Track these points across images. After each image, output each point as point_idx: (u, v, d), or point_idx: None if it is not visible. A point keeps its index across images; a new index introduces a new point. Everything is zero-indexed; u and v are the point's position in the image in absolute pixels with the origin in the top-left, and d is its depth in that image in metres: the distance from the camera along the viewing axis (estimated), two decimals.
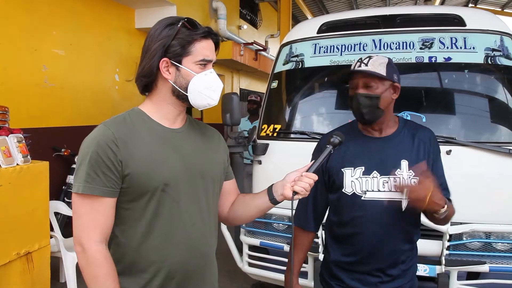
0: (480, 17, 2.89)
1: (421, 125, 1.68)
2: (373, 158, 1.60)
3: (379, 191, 1.57)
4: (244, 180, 3.74)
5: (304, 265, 2.72)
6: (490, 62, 2.69)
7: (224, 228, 3.03)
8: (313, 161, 1.42)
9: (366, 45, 2.95)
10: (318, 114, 3.16)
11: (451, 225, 2.38)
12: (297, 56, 3.19)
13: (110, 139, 1.20)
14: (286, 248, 2.75)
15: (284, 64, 3.24)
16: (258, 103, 5.71)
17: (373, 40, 2.94)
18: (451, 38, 2.78)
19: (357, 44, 2.98)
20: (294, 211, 1.43)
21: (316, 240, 2.65)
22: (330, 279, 1.74)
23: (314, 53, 3.11)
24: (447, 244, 2.42)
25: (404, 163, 1.56)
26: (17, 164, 2.70)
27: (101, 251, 1.18)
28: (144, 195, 1.23)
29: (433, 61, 2.77)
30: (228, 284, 3.87)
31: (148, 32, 1.31)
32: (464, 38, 2.76)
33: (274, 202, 1.42)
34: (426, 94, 2.84)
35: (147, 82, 1.30)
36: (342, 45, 3.02)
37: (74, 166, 4.35)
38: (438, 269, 2.44)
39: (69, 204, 3.77)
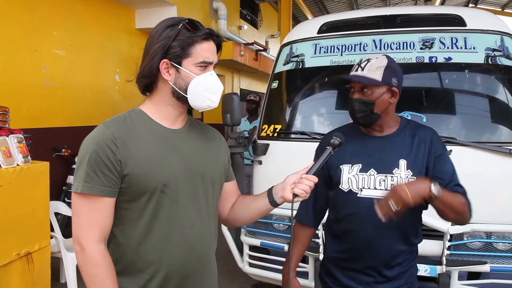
0: (481, 17, 2.89)
1: (423, 125, 1.66)
2: (371, 156, 1.60)
3: (375, 189, 1.57)
4: (244, 181, 3.74)
5: (304, 265, 2.73)
6: (490, 62, 2.69)
7: (224, 228, 3.03)
8: (313, 163, 1.42)
9: (367, 45, 2.95)
10: (319, 114, 3.15)
11: (451, 225, 2.38)
12: (297, 56, 3.19)
13: (110, 139, 1.20)
14: (287, 248, 2.75)
15: (284, 64, 3.24)
16: (257, 103, 5.70)
17: (374, 40, 2.94)
18: (452, 38, 2.78)
19: (357, 44, 2.98)
20: (294, 210, 1.42)
21: (316, 240, 2.65)
22: (326, 277, 1.75)
23: (315, 53, 3.11)
24: (448, 244, 2.42)
25: (403, 162, 1.56)
26: (17, 165, 2.70)
27: (99, 251, 1.18)
28: (143, 195, 1.23)
29: (434, 61, 2.77)
30: (228, 284, 3.87)
31: (149, 32, 1.30)
32: (465, 38, 2.76)
33: (274, 204, 1.42)
34: (426, 94, 2.84)
35: (147, 82, 1.30)
36: (342, 45, 3.02)
37: (74, 166, 4.35)
38: (439, 269, 2.44)
39: (69, 205, 3.76)
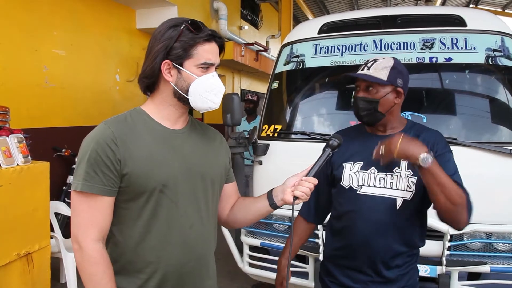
0: (481, 18, 2.89)
1: (429, 128, 1.66)
2: (373, 155, 1.61)
3: (374, 186, 1.59)
4: (243, 181, 3.73)
5: (304, 265, 2.73)
6: (491, 63, 2.69)
7: (224, 228, 3.03)
8: (312, 164, 1.43)
9: (367, 46, 2.94)
10: (319, 114, 3.15)
11: None
12: (298, 56, 3.18)
13: (110, 138, 1.20)
14: None
15: (285, 65, 3.24)
16: (254, 102, 5.67)
17: (374, 41, 2.94)
18: (452, 39, 2.78)
19: (358, 45, 2.97)
20: (296, 211, 1.43)
21: (316, 240, 2.65)
22: (325, 276, 1.77)
23: (315, 53, 3.11)
24: (448, 244, 2.41)
25: (404, 162, 1.56)
26: (18, 165, 2.70)
27: (98, 250, 1.19)
28: (142, 195, 1.23)
29: (434, 62, 2.77)
30: (228, 285, 3.87)
31: (150, 32, 1.30)
32: (465, 38, 2.76)
33: (274, 206, 1.42)
34: (427, 94, 2.84)
35: (149, 83, 1.30)
36: (343, 46, 3.02)
37: (74, 166, 4.35)
38: (439, 269, 2.44)
39: (69, 205, 3.74)
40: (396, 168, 1.57)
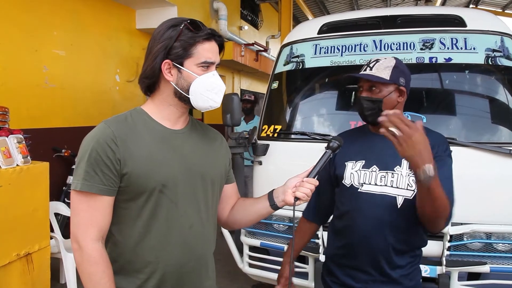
0: (481, 18, 2.89)
1: (433, 131, 1.65)
2: (374, 153, 1.63)
3: (375, 184, 1.59)
4: (242, 182, 3.73)
5: (304, 265, 2.73)
6: (490, 63, 2.69)
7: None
8: (313, 165, 1.43)
9: (367, 46, 2.94)
10: (319, 114, 3.15)
11: (451, 225, 2.38)
12: (297, 56, 3.18)
13: (110, 137, 1.20)
14: (287, 248, 2.75)
15: (284, 65, 3.24)
16: (252, 102, 5.65)
17: (374, 41, 2.94)
18: (452, 39, 2.78)
19: (357, 45, 2.97)
20: (297, 211, 1.43)
21: (316, 240, 2.65)
22: (326, 276, 1.77)
23: (315, 53, 3.11)
24: (447, 244, 2.41)
25: (405, 161, 1.56)
26: (17, 165, 2.70)
27: (97, 249, 1.19)
28: (142, 195, 1.23)
29: (434, 62, 2.77)
30: (228, 285, 3.87)
31: (150, 32, 1.31)
32: (465, 38, 2.76)
33: (275, 208, 1.43)
34: (426, 94, 2.84)
35: (149, 83, 1.31)
36: (342, 46, 3.02)
37: (74, 166, 4.35)
38: (439, 269, 2.44)
39: (69, 205, 3.74)
40: (397, 166, 1.57)
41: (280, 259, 2.79)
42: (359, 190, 1.62)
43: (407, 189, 1.55)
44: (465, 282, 2.42)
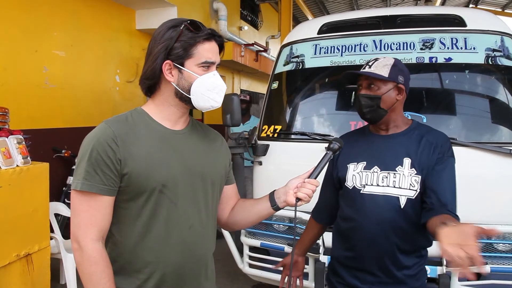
0: (481, 18, 2.89)
1: (435, 129, 1.66)
2: (375, 154, 1.63)
3: (377, 185, 1.59)
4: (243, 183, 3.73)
5: (305, 266, 2.72)
6: (490, 63, 2.68)
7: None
8: (314, 167, 1.44)
9: (367, 46, 2.94)
10: (319, 114, 3.15)
11: None
12: (297, 57, 3.18)
13: (110, 137, 1.20)
14: (287, 249, 2.75)
15: (284, 65, 3.24)
16: (247, 102, 5.63)
17: (374, 41, 2.94)
18: (452, 39, 2.78)
19: (357, 45, 2.97)
20: (298, 212, 1.43)
21: (316, 241, 2.64)
22: (332, 276, 1.77)
23: (315, 53, 3.11)
24: None
25: (407, 161, 1.57)
26: (17, 166, 2.70)
27: (97, 249, 1.19)
28: (142, 195, 1.23)
29: (434, 62, 2.77)
30: (228, 286, 3.87)
31: (150, 33, 1.31)
32: (465, 38, 2.76)
33: (276, 209, 1.43)
34: (426, 94, 2.84)
35: (150, 84, 1.31)
36: (342, 46, 3.02)
37: (74, 167, 4.35)
38: (439, 269, 2.44)
39: (69, 206, 3.73)
40: (399, 166, 1.57)
41: (280, 260, 2.79)
42: (361, 191, 1.61)
43: (409, 189, 1.54)
44: (466, 283, 2.41)
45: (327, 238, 2.64)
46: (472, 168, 2.46)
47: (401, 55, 2.80)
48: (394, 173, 1.57)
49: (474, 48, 2.72)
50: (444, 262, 2.41)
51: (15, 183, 2.64)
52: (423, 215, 1.49)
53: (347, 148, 1.63)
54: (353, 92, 2.84)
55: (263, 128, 3.11)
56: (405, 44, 2.86)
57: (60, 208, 3.68)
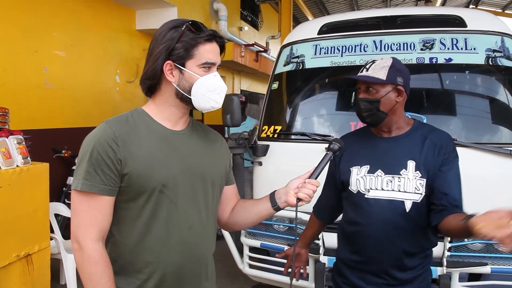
0: (481, 18, 2.89)
1: (438, 129, 1.65)
2: (378, 157, 1.61)
3: (382, 189, 1.58)
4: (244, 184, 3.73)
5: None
6: (491, 63, 2.68)
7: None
8: (314, 167, 1.43)
9: (367, 46, 2.94)
10: (319, 115, 3.15)
11: None
12: (297, 57, 3.18)
13: (111, 137, 1.20)
14: (287, 249, 2.74)
15: (284, 65, 3.24)
16: (243, 103, 5.64)
17: (374, 41, 2.93)
18: (452, 39, 2.78)
19: (358, 45, 2.97)
20: (299, 213, 1.43)
21: (316, 241, 2.64)
22: (337, 277, 1.78)
23: (315, 54, 3.11)
24: (448, 245, 2.41)
25: (411, 164, 1.55)
26: (17, 166, 2.70)
27: (97, 249, 1.19)
28: (142, 195, 1.23)
29: (434, 62, 2.77)
30: (228, 286, 3.87)
31: (150, 33, 1.31)
32: (465, 39, 2.76)
33: (277, 209, 1.43)
34: (427, 95, 2.84)
35: (151, 84, 1.31)
36: (342, 46, 3.01)
37: (74, 167, 4.34)
38: (440, 270, 2.43)
39: (69, 206, 3.74)
40: (403, 170, 1.56)
41: (281, 260, 2.79)
42: (366, 196, 1.60)
43: (415, 193, 1.53)
44: (466, 283, 2.42)
45: (327, 238, 2.64)
46: (472, 168, 2.45)
47: (402, 55, 2.80)
48: (399, 177, 1.56)
49: (474, 49, 2.72)
50: (445, 263, 2.40)
51: (15, 183, 2.64)
52: (433, 216, 1.48)
53: (349, 150, 1.62)
54: (353, 93, 2.84)
55: (263, 128, 3.11)
56: (405, 44, 2.86)
57: (60, 208, 3.68)
